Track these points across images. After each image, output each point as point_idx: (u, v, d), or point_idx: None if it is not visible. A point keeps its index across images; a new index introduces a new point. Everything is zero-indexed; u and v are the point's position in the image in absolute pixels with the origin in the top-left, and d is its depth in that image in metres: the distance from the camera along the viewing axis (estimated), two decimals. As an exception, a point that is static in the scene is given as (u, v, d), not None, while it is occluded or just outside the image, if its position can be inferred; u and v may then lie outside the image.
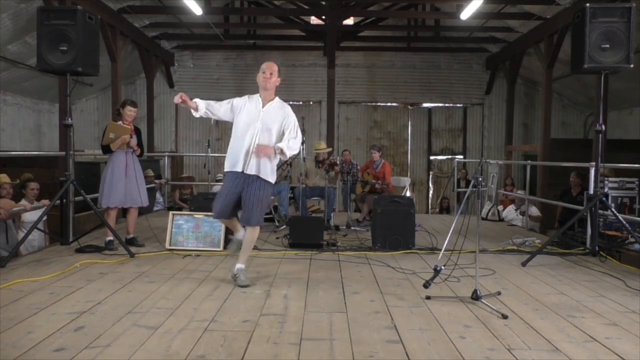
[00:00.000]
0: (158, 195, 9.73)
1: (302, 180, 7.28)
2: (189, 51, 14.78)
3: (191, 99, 3.96)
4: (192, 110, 3.99)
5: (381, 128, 14.97)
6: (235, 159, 3.95)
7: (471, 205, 4.22)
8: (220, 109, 4.04)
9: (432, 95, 14.85)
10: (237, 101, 4.05)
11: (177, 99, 3.87)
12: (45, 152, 11.83)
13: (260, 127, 3.93)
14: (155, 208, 9.39)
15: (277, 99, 4.07)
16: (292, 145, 3.96)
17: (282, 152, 3.92)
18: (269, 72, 3.97)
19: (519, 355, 2.70)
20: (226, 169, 4.03)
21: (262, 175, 3.93)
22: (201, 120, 14.68)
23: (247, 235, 4.07)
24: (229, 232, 5.50)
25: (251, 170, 3.91)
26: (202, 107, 4.00)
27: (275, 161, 4.06)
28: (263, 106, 3.99)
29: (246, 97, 4.09)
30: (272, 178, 4.01)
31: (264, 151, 3.88)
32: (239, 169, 3.92)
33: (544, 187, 10.25)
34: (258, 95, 4.05)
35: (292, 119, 4.01)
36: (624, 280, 4.33)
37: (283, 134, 3.98)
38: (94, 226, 6.39)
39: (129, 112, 5.40)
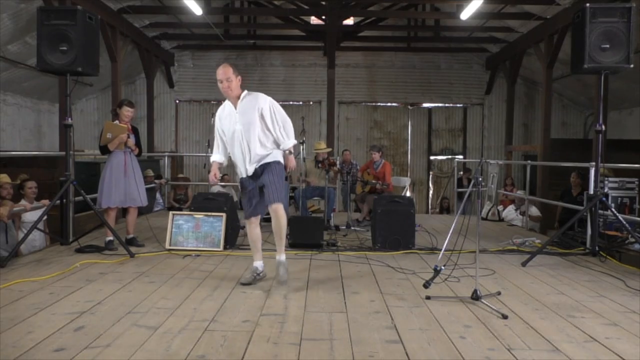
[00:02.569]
0: (158, 195, 9.72)
1: (303, 179, 7.28)
2: (189, 51, 14.78)
3: (220, 166, 4.19)
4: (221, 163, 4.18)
5: (381, 128, 14.97)
6: (238, 167, 4.06)
7: (472, 204, 4.22)
8: (223, 141, 4.11)
9: (432, 95, 14.85)
10: (217, 123, 4.09)
11: (215, 181, 4.12)
12: (45, 152, 11.83)
13: (241, 128, 3.92)
14: (155, 208, 9.39)
15: (244, 92, 3.98)
16: (289, 133, 3.99)
17: (290, 151, 4.02)
18: (225, 81, 3.87)
19: (519, 355, 2.70)
20: (238, 175, 4.15)
21: (263, 163, 3.94)
22: (201, 121, 14.76)
23: (274, 220, 3.93)
24: (228, 235, 5.50)
25: (252, 170, 3.97)
26: (222, 158, 4.14)
27: (267, 147, 3.96)
28: (236, 107, 3.96)
29: (219, 110, 4.10)
30: (274, 157, 3.97)
31: (291, 164, 4.04)
32: (244, 175, 4.03)
33: (544, 187, 10.25)
34: (227, 101, 4.03)
35: (268, 103, 3.93)
36: (624, 280, 4.33)
37: (265, 121, 3.91)
38: (94, 226, 6.39)
39: (126, 112, 5.38)
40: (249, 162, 3.94)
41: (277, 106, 3.98)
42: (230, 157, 4.13)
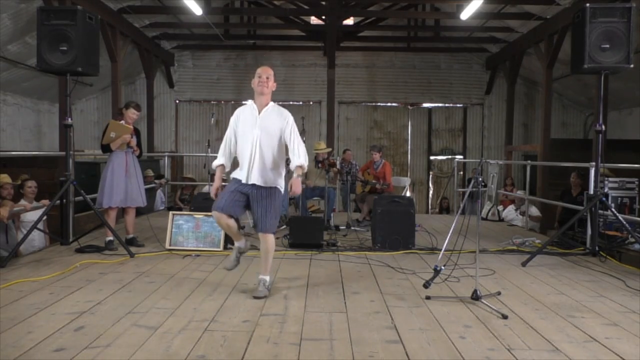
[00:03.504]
0: (162, 195, 9.77)
1: (303, 180, 7.27)
2: (189, 51, 14.78)
3: (226, 166, 3.96)
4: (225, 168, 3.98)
5: (381, 128, 14.97)
6: (240, 169, 3.86)
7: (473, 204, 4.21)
8: (232, 144, 3.93)
9: (432, 95, 14.85)
10: (233, 121, 3.93)
11: (215, 194, 3.91)
12: (45, 152, 11.82)
13: (259, 133, 3.79)
14: (160, 207, 9.49)
15: (272, 103, 3.89)
16: (302, 153, 3.81)
17: (302, 167, 3.80)
18: (265, 77, 3.80)
19: (519, 355, 2.70)
20: (232, 175, 3.92)
21: (266, 184, 3.80)
22: (201, 121, 14.75)
23: (262, 245, 3.86)
24: (228, 235, 5.50)
25: (253, 180, 3.78)
26: (227, 162, 3.95)
27: (283, 169, 3.94)
28: (259, 112, 3.84)
29: (239, 109, 3.97)
30: (279, 183, 3.87)
31: (296, 188, 3.75)
32: (243, 180, 3.81)
33: (544, 187, 10.25)
34: (252, 102, 3.92)
35: (291, 124, 3.85)
36: (624, 280, 4.33)
37: (283, 137, 3.83)
38: (94, 226, 6.39)
39: (132, 114, 5.40)
40: (255, 170, 3.76)
41: (295, 126, 3.90)
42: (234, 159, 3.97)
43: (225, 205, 3.76)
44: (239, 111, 3.96)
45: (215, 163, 3.95)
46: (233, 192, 3.81)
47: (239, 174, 3.86)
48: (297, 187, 3.77)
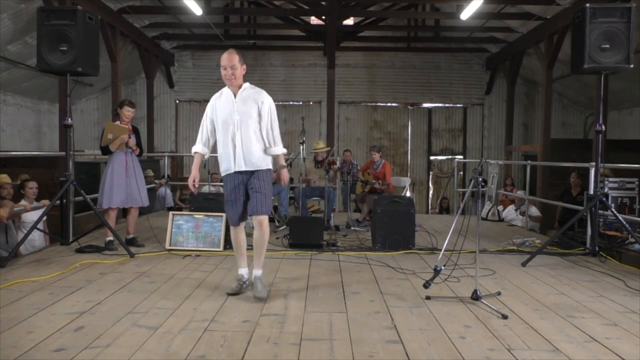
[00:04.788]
0: (170, 194, 9.79)
1: (303, 179, 7.28)
2: (189, 51, 14.78)
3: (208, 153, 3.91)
4: (204, 155, 3.89)
5: (381, 128, 14.97)
6: (224, 161, 3.75)
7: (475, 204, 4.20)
8: (209, 131, 3.85)
9: (432, 95, 14.85)
10: (210, 109, 3.84)
11: (194, 189, 3.89)
12: (45, 152, 11.84)
13: (239, 118, 3.66)
14: (170, 204, 9.51)
15: (247, 84, 3.76)
16: (278, 140, 3.76)
17: (283, 164, 3.84)
18: (230, 69, 3.63)
19: (519, 355, 2.70)
20: (222, 173, 3.84)
21: (254, 168, 3.72)
22: (201, 121, 14.71)
23: (258, 232, 3.73)
24: (228, 235, 5.49)
25: (240, 166, 3.70)
26: (205, 150, 3.87)
27: (261, 146, 3.76)
28: (235, 96, 3.71)
29: (214, 96, 3.85)
30: (266, 164, 3.77)
31: (285, 178, 3.92)
32: (231, 171, 3.74)
33: (544, 187, 10.26)
34: (226, 88, 3.76)
35: (267, 105, 3.72)
36: (624, 280, 4.33)
37: (260, 118, 3.71)
38: (94, 226, 6.39)
39: (127, 112, 5.40)
40: (240, 155, 3.68)
41: (274, 109, 3.82)
42: (217, 151, 3.88)
43: (238, 216, 3.77)
44: (214, 99, 3.84)
45: (193, 149, 3.89)
46: (235, 199, 3.75)
47: (227, 169, 3.76)
48: (286, 177, 3.94)
